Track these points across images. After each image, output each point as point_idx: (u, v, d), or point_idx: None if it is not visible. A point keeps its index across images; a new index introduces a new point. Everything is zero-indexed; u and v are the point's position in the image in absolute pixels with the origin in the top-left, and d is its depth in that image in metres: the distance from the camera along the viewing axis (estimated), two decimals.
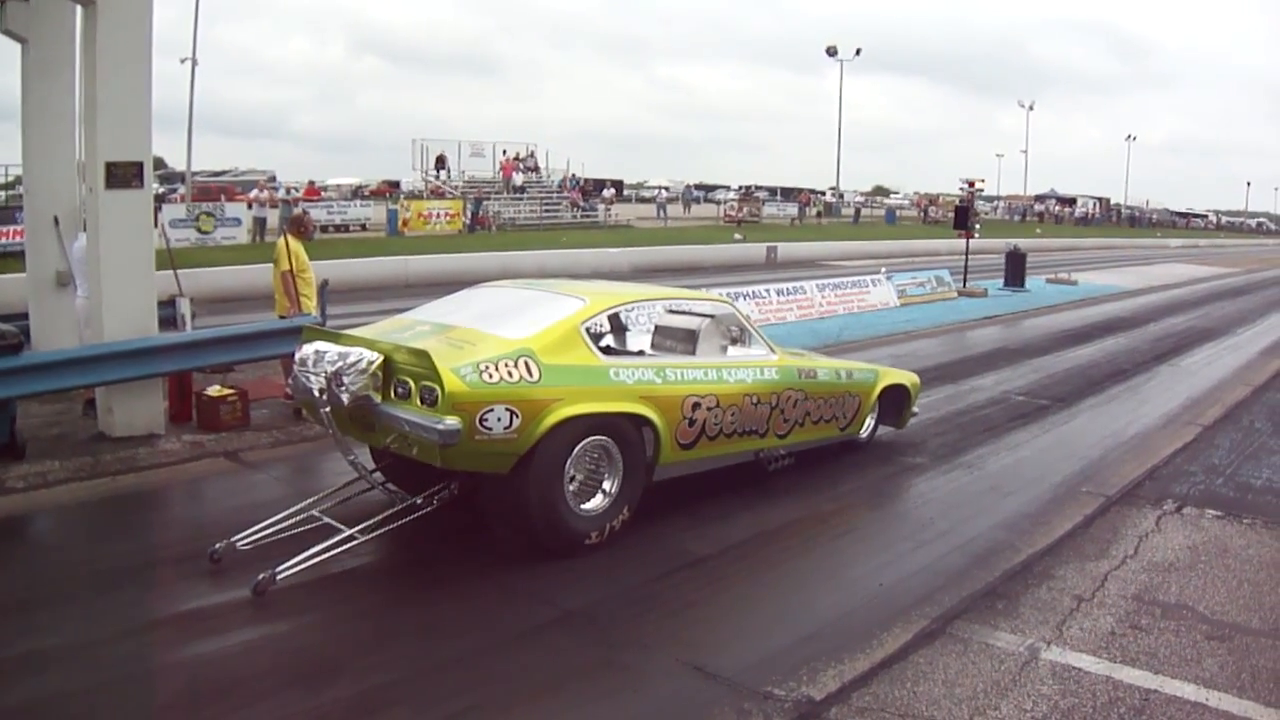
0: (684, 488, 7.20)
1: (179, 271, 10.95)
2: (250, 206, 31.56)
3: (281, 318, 9.82)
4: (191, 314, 10.21)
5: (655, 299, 8.23)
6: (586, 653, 5.18)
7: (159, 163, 49.42)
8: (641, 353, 7.69)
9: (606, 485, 6.56)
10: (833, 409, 8.46)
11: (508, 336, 6.30)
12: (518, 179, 43.69)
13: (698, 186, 78.32)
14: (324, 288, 9.91)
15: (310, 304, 9.94)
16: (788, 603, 5.93)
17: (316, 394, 6.01)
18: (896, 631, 5.40)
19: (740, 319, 8.12)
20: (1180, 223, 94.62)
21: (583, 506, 6.43)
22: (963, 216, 25.69)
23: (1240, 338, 18.81)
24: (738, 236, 38.89)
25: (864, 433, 9.17)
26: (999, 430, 10.19)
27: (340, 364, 5.94)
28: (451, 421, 5.65)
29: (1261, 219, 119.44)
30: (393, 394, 6.00)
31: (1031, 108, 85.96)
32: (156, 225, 11.05)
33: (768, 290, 18.73)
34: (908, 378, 9.61)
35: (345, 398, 5.91)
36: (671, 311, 8.18)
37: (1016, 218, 75.52)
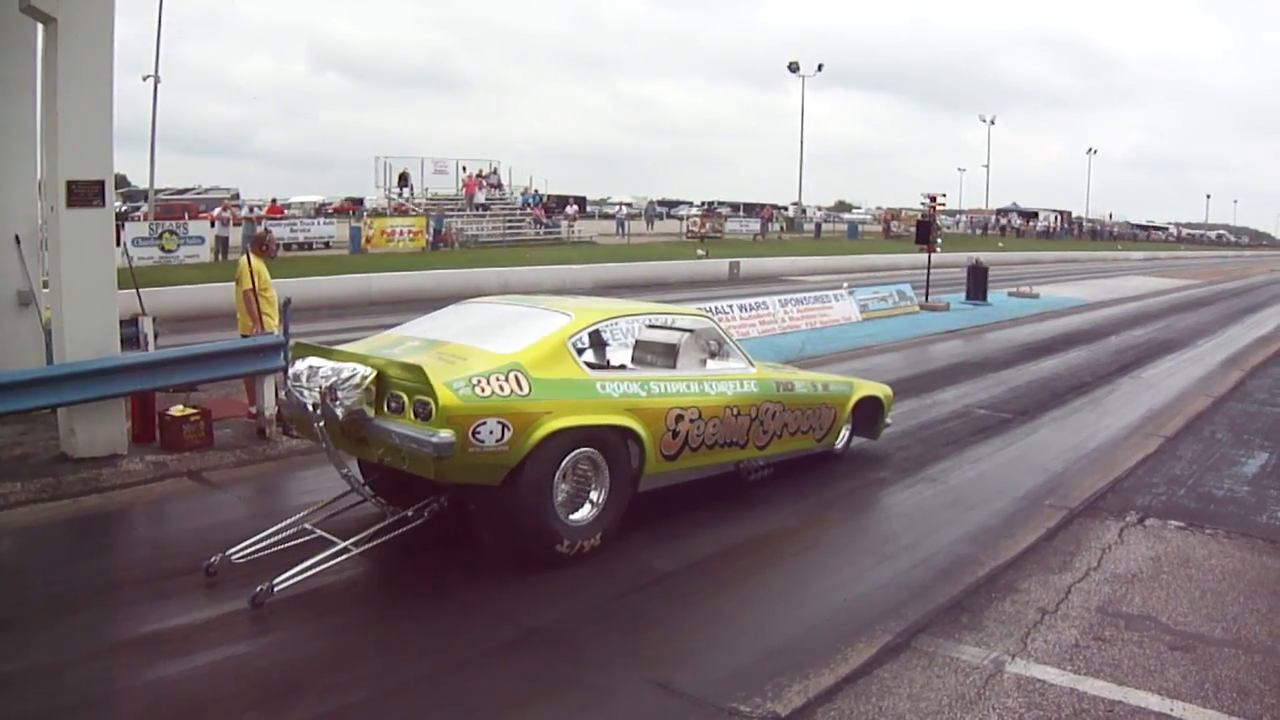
0: (649, 503, 7.19)
1: (141, 290, 10.83)
2: (213, 225, 31.37)
3: (244, 336, 9.75)
4: (154, 333, 10.10)
5: (638, 314, 8.37)
6: (551, 671, 5.16)
7: (121, 180, 48.94)
8: (623, 367, 7.80)
9: (594, 495, 6.67)
10: (810, 420, 8.57)
11: (498, 351, 6.40)
12: (481, 196, 43.66)
13: (660, 203, 78.40)
14: (287, 306, 9.85)
15: (273, 323, 9.89)
16: (752, 618, 5.93)
17: (311, 408, 6.09)
18: (861, 646, 5.41)
19: (720, 333, 8.23)
20: (1141, 235, 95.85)
21: (571, 517, 6.52)
22: (924, 231, 25.94)
23: (1201, 349, 19.02)
24: (700, 252, 38.93)
25: (839, 444, 9.26)
26: (962, 444, 10.25)
27: (334, 379, 6.04)
28: (445, 434, 5.75)
29: (1221, 231, 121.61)
30: (386, 408, 6.09)
31: (993, 122, 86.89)
32: (119, 244, 10.96)
33: (730, 306, 18.78)
34: (881, 390, 9.73)
35: (339, 412, 6.00)
36: (651, 326, 8.33)
37: (978, 232, 75.98)
